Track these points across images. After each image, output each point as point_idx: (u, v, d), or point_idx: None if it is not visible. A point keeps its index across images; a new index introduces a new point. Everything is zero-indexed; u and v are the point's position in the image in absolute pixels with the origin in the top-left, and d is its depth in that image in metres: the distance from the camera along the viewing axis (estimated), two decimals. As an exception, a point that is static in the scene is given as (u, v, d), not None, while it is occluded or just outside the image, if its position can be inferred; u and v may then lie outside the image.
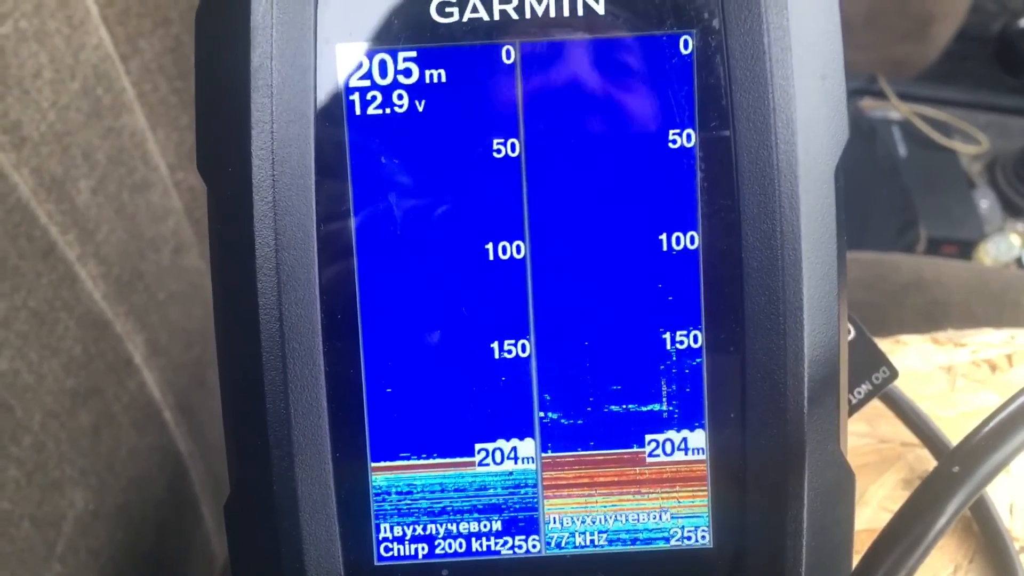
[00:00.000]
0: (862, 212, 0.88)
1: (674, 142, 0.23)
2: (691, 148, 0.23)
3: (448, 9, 0.23)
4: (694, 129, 0.23)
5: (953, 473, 0.20)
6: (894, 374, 0.35)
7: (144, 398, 0.47)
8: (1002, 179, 1.02)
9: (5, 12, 0.38)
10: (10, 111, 0.38)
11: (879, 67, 1.16)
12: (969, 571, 0.39)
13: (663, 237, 0.23)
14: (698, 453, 0.23)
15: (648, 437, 0.23)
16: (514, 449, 0.23)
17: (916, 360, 0.46)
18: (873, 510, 0.41)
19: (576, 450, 0.23)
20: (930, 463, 0.42)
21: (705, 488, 0.23)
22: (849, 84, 0.80)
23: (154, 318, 0.48)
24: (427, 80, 0.23)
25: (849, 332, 0.36)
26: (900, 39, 1.14)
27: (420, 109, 0.23)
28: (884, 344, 0.47)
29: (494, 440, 0.23)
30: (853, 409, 0.36)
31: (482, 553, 0.24)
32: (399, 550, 0.24)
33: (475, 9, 0.23)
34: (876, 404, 0.42)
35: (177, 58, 0.48)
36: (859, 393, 0.36)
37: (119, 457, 0.45)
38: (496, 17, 0.23)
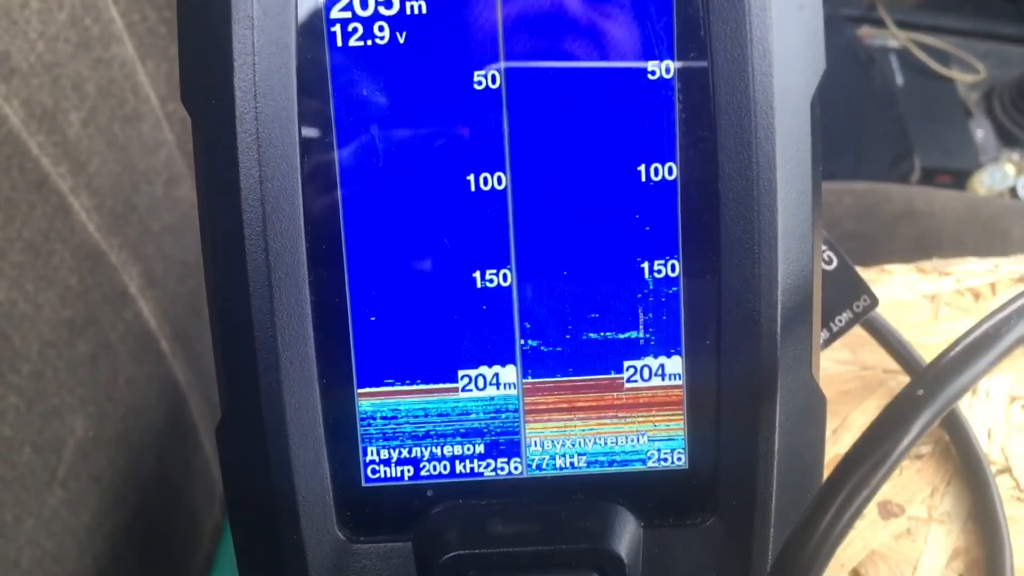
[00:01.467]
0: (857, 141, 0.88)
1: (653, 73, 0.23)
2: (670, 79, 0.23)
3: (428, -62, 0.23)
4: (672, 60, 0.23)
5: (918, 396, 0.21)
6: (874, 302, 0.36)
7: (141, 328, 0.48)
8: (999, 108, 1.02)
9: (-12, -58, 0.37)
10: (10, 52, 0.38)
11: (877, -7, 1.15)
12: (946, 493, 0.41)
13: (641, 168, 0.23)
14: (674, 379, 0.24)
15: (626, 363, 0.24)
16: (496, 375, 0.24)
17: (901, 289, 0.47)
18: (854, 435, 0.42)
19: (556, 376, 0.24)
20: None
21: (681, 412, 0.24)
22: (848, 12, 0.80)
23: (149, 249, 0.49)
24: (407, 11, 0.23)
25: (831, 261, 0.37)
26: (901, -36, 1.13)
27: (401, 41, 0.23)
28: (869, 273, 0.48)
29: (476, 367, 0.24)
30: (834, 336, 0.37)
31: (465, 475, 0.24)
32: (385, 472, 0.24)
33: (454, -61, 0.23)
34: (859, 332, 0.43)
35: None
36: (840, 321, 0.36)
37: (117, 386, 0.46)
38: (475, -54, 0.23)
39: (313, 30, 0.23)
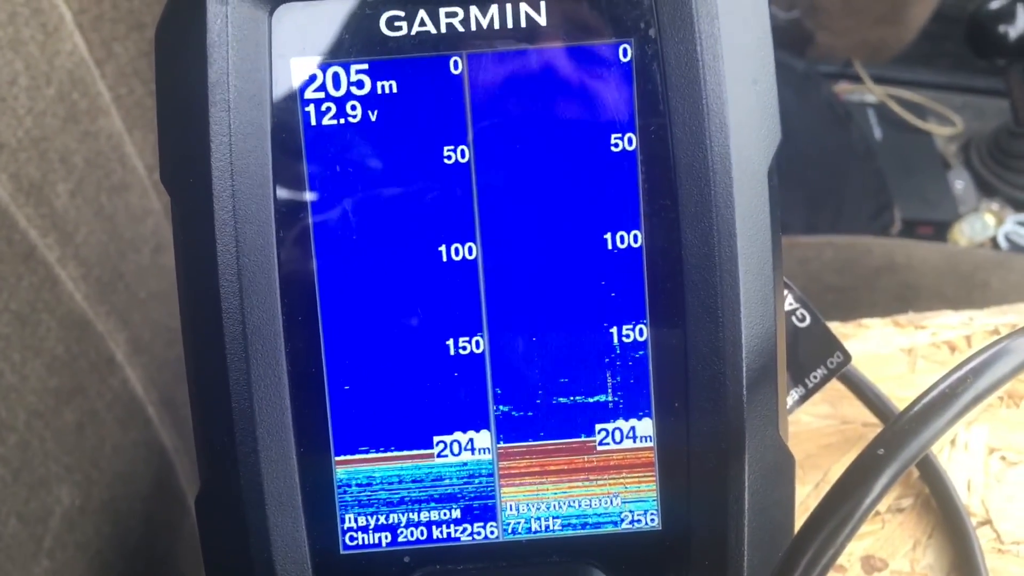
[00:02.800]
0: (837, 196, 0.89)
1: (616, 146, 0.24)
2: (632, 151, 0.24)
3: (397, 23, 0.24)
4: (635, 133, 0.24)
5: (879, 455, 0.21)
6: (847, 358, 0.36)
7: (127, 395, 0.48)
8: (976, 160, 1.04)
9: (-22, 23, 0.39)
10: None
11: (856, 51, 1.17)
12: (928, 546, 0.41)
13: (608, 236, 0.24)
14: (646, 441, 0.25)
15: (598, 426, 0.25)
16: (471, 440, 0.24)
17: (878, 343, 0.47)
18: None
19: (529, 440, 0.25)
20: (889, 443, 0.43)
21: (653, 474, 0.25)
22: (825, 69, 0.82)
23: (136, 316, 0.49)
24: (379, 91, 0.24)
25: (805, 319, 0.38)
26: (876, 23, 1.15)
27: (373, 119, 0.24)
28: (847, 328, 0.48)
29: (451, 432, 0.24)
30: (810, 393, 0.37)
31: (443, 540, 0.25)
32: (363, 539, 0.25)
33: (423, 23, 0.24)
34: (839, 387, 0.44)
35: (152, 61, 0.49)
36: (815, 377, 0.37)
37: (104, 453, 0.46)
38: (443, 30, 0.24)
39: (288, 110, 0.24)
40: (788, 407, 0.37)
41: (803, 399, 0.37)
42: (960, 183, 1.02)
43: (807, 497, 0.42)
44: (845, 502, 0.21)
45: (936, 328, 0.47)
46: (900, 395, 0.44)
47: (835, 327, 0.48)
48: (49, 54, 0.44)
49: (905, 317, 0.49)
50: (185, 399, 0.55)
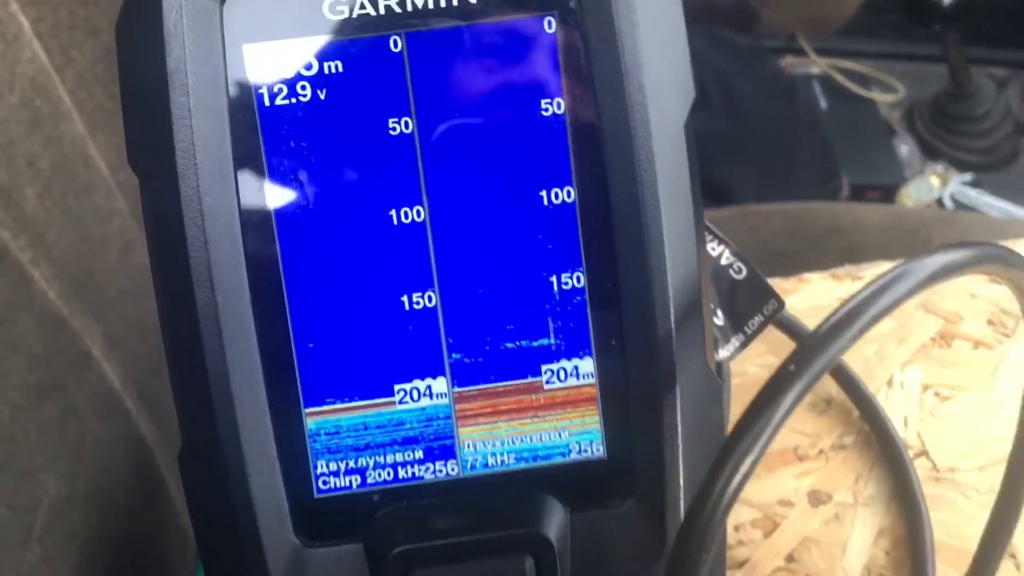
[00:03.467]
0: (786, 165, 0.92)
1: (546, 110, 0.26)
2: (561, 115, 0.26)
3: (339, 7, 0.26)
4: (562, 98, 0.26)
5: (790, 371, 0.24)
6: (781, 305, 0.39)
7: (105, 389, 0.50)
8: (920, 124, 1.07)
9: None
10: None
11: (800, 26, 1.20)
12: (869, 478, 0.44)
13: (543, 194, 0.26)
14: (587, 378, 0.27)
15: (544, 367, 0.27)
16: (428, 387, 0.27)
17: (818, 295, 0.50)
18: (783, 432, 0.45)
19: (481, 384, 0.27)
20: (830, 384, 0.46)
21: (596, 407, 0.27)
22: (770, 44, 0.85)
23: (109, 314, 0.51)
24: (325, 71, 0.26)
25: (741, 271, 0.40)
26: (817, -4, 1.18)
27: (322, 97, 0.26)
28: (789, 283, 0.51)
29: (410, 381, 0.27)
30: (749, 339, 0.40)
31: (407, 479, 0.27)
32: (335, 483, 0.27)
33: (363, 6, 0.26)
34: (782, 337, 0.47)
35: (110, 65, 0.51)
36: (752, 324, 0.39)
37: (86, 446, 0.48)
38: (382, 11, 0.26)
39: (242, 93, 0.26)
40: (729, 354, 0.39)
41: (743, 345, 0.39)
42: (905, 147, 1.05)
43: (756, 440, 0.44)
44: (760, 416, 0.24)
45: (870, 278, 0.50)
46: (840, 342, 0.46)
47: (778, 282, 0.51)
48: (10, 62, 0.45)
49: (843, 270, 0.51)
50: (160, 392, 0.57)
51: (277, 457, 0.26)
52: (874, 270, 0.50)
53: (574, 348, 0.27)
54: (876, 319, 0.25)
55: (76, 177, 0.49)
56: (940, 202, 1.02)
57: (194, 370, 0.26)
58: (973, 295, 0.49)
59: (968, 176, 1.04)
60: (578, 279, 0.27)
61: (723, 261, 0.39)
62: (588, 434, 0.27)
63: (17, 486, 0.43)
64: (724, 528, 0.26)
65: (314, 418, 0.27)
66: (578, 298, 0.27)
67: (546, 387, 0.27)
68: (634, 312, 0.26)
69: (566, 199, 0.26)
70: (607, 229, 0.26)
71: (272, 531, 0.26)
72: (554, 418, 0.27)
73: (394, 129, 0.26)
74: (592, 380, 0.27)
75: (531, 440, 0.27)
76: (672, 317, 0.26)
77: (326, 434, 0.27)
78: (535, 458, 0.27)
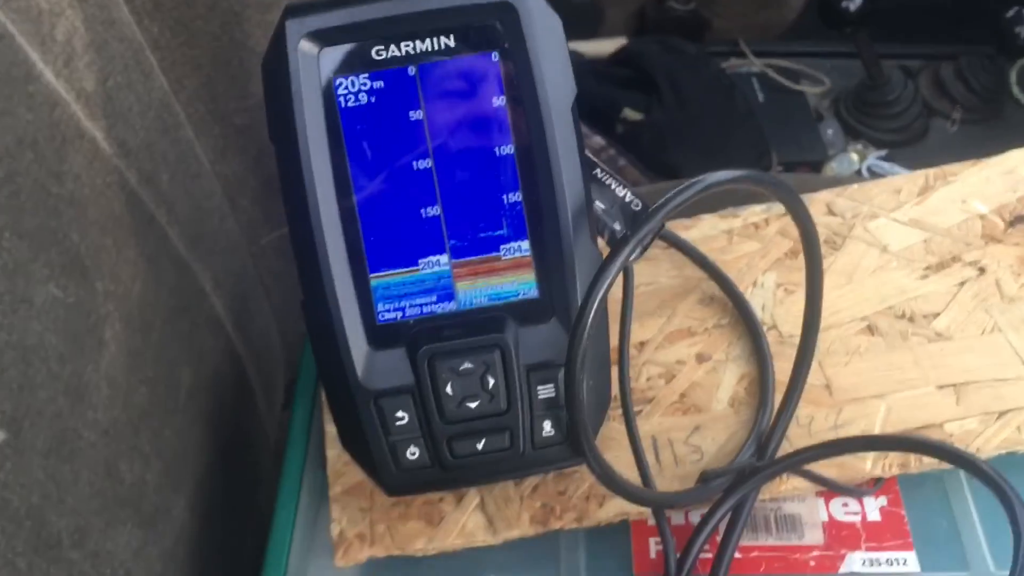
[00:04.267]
0: (724, 150, 1.14)
1: (496, 102, 0.48)
2: (503, 105, 0.48)
3: (379, 51, 0.47)
4: (504, 95, 0.48)
5: (627, 235, 0.45)
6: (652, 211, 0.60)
7: (215, 315, 0.72)
8: (843, 110, 1.28)
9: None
10: (126, 140, 0.62)
11: (747, 32, 1.41)
12: (737, 344, 0.65)
13: (496, 149, 0.48)
14: (526, 252, 0.48)
15: (501, 247, 0.48)
16: (438, 260, 0.48)
17: (708, 228, 0.71)
18: (680, 318, 0.66)
19: (467, 257, 0.48)
20: (713, 286, 0.67)
21: (531, 269, 0.49)
22: (716, 48, 1.11)
23: (215, 262, 0.73)
24: (374, 87, 0.47)
25: (638, 205, 0.61)
26: (761, 7, 1.40)
27: (373, 101, 0.48)
28: (689, 221, 0.73)
29: (427, 256, 0.48)
30: (645, 248, 0.61)
31: (427, 313, 0.49)
32: (387, 316, 0.49)
33: (391, 50, 0.47)
34: (682, 256, 0.68)
35: (210, 89, 0.73)
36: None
37: (205, 353, 0.70)
38: (402, 52, 0.47)
39: (330, 99, 0.47)
40: (633, 257, 0.60)
41: (643, 252, 0.61)
42: (830, 130, 1.26)
43: (664, 324, 0.66)
44: (613, 260, 0.45)
45: (747, 215, 0.72)
46: (722, 258, 0.68)
47: (682, 221, 0.72)
48: (148, 89, 0.67)
49: (726, 211, 0.73)
50: (249, 323, 0.79)
51: (356, 300, 0.48)
52: (748, 209, 0.72)
53: (517, 235, 0.48)
54: (680, 206, 0.46)
55: (190, 167, 0.71)
56: (859, 174, 1.23)
57: (308, 251, 0.47)
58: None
59: (883, 152, 1.25)
60: (517, 196, 0.48)
61: (627, 199, 0.61)
62: (528, 284, 0.49)
63: (168, 372, 0.64)
64: (605, 329, 0.48)
65: (375, 279, 0.48)
66: (518, 207, 0.48)
67: (503, 258, 0.49)
68: (546, 214, 0.48)
69: (508, 152, 0.48)
70: (532, 167, 0.48)
71: (356, 342, 0.48)
72: (508, 275, 0.49)
73: (412, 116, 0.48)
74: (528, 253, 0.49)
75: (496, 288, 0.49)
76: (570, 217, 0.47)
77: (383, 288, 0.48)
78: (499, 297, 0.49)
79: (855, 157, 1.23)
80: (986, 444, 0.58)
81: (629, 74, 1.22)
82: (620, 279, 0.54)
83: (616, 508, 0.58)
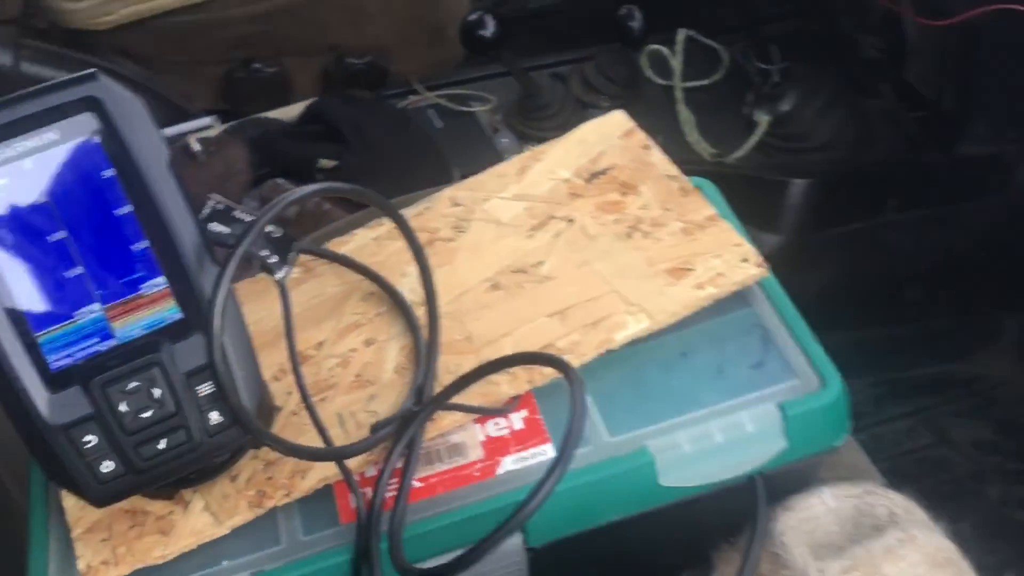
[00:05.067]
0: (410, 175, 1.29)
1: (104, 175, 0.59)
2: (113, 176, 0.59)
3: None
4: (111, 167, 0.59)
5: (235, 248, 0.58)
6: (295, 247, 0.73)
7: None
8: (512, 120, 1.47)
9: None
10: None
11: (423, 72, 1.58)
12: (394, 324, 0.79)
13: (115, 211, 0.59)
14: (164, 286, 0.60)
15: (142, 286, 0.60)
16: (91, 309, 0.59)
17: (360, 240, 0.85)
18: (348, 316, 0.80)
19: (114, 300, 0.60)
20: (372, 287, 0.81)
21: (172, 297, 0.60)
22: (393, 91, 1.30)
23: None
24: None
25: (278, 232, 0.74)
26: (428, 48, 1.57)
27: (3, 196, 0.58)
28: (345, 238, 0.86)
29: (80, 308, 0.59)
30: (291, 266, 0.74)
31: (93, 353, 0.59)
32: (59, 363, 0.59)
33: (5, 151, 0.58)
34: (342, 268, 0.82)
35: None
36: (289, 258, 0.74)
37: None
38: (15, 152, 0.58)
39: None
40: (280, 275, 0.73)
41: (289, 269, 0.73)
42: (505, 140, 1.45)
43: (335, 324, 0.79)
44: (222, 275, 0.57)
45: (389, 223, 0.86)
46: (373, 260, 0.82)
47: (338, 240, 0.86)
48: None
49: (373, 222, 0.87)
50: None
51: (28, 357, 0.58)
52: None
53: (152, 273, 0.60)
54: (271, 219, 0.59)
55: None
56: (536, 170, 1.41)
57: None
58: (444, 215, 0.85)
59: (552, 147, 1.44)
60: (144, 243, 0.60)
61: (267, 229, 0.74)
62: (172, 309, 0.61)
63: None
64: (242, 326, 0.60)
65: (41, 336, 0.59)
66: (147, 251, 0.60)
67: (146, 294, 0.60)
68: (171, 251, 0.60)
69: (128, 211, 0.60)
70: (148, 218, 0.60)
71: (36, 392, 0.58)
72: (154, 307, 0.60)
73: (38, 201, 0.59)
74: (166, 286, 0.60)
75: (147, 319, 0.60)
76: (190, 250, 0.60)
77: (49, 342, 0.59)
78: (151, 326, 0.60)
79: (528, 157, 1.41)
80: (588, 349, 0.74)
81: (319, 128, 1.35)
82: (279, 301, 0.67)
83: (316, 476, 0.70)
